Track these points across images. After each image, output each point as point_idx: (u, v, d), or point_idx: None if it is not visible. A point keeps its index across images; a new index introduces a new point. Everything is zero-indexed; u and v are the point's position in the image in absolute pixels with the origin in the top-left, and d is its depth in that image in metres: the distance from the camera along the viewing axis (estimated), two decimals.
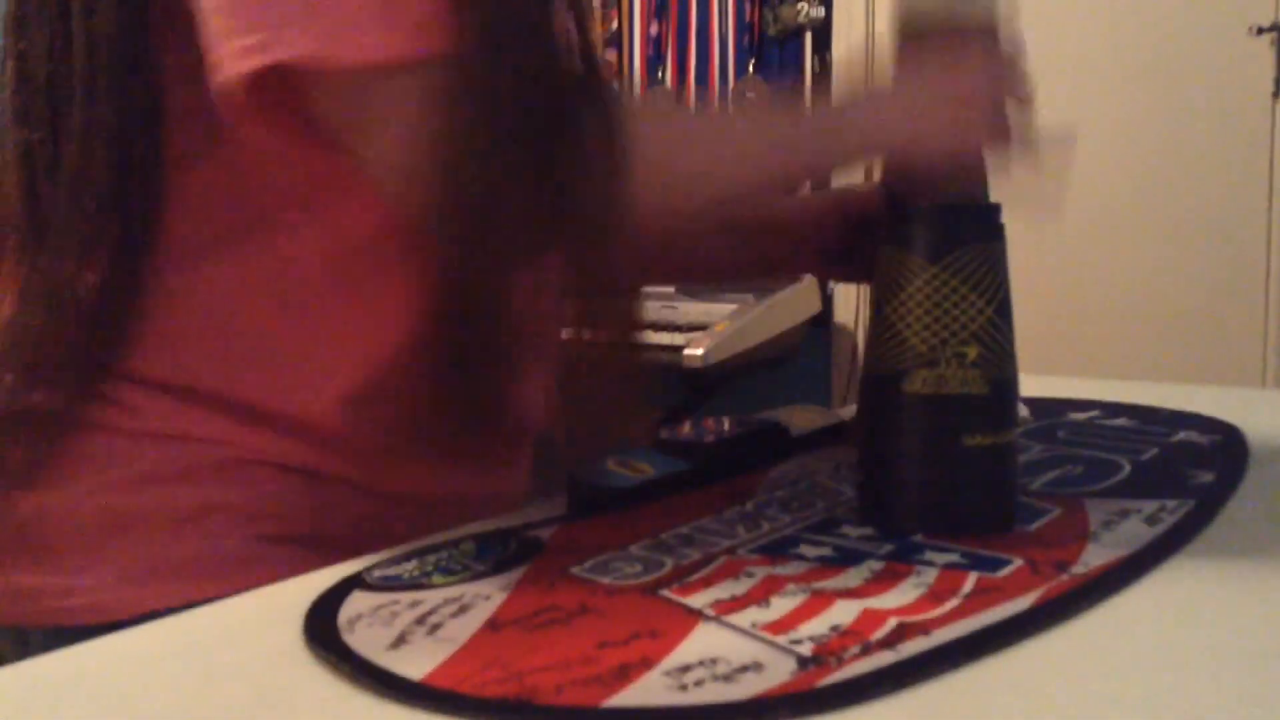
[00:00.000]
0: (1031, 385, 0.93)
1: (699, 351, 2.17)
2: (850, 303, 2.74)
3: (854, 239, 0.77)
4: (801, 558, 0.51)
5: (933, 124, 0.63)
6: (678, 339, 2.21)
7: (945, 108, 0.63)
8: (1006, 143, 0.63)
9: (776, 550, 0.53)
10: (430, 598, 0.47)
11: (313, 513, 0.62)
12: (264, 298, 0.62)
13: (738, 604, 0.46)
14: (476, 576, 0.50)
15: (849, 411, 0.76)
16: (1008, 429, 0.56)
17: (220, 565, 0.59)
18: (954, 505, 0.55)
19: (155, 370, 0.61)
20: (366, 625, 0.44)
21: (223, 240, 0.61)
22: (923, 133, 0.63)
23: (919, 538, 0.54)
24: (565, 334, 0.67)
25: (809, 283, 2.38)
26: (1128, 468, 0.66)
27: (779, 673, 0.39)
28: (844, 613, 0.44)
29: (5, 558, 0.61)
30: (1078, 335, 2.35)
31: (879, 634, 0.42)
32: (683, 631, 0.43)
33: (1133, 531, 0.54)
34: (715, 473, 0.68)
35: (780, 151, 0.65)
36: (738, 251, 0.84)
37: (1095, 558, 0.50)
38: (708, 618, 0.44)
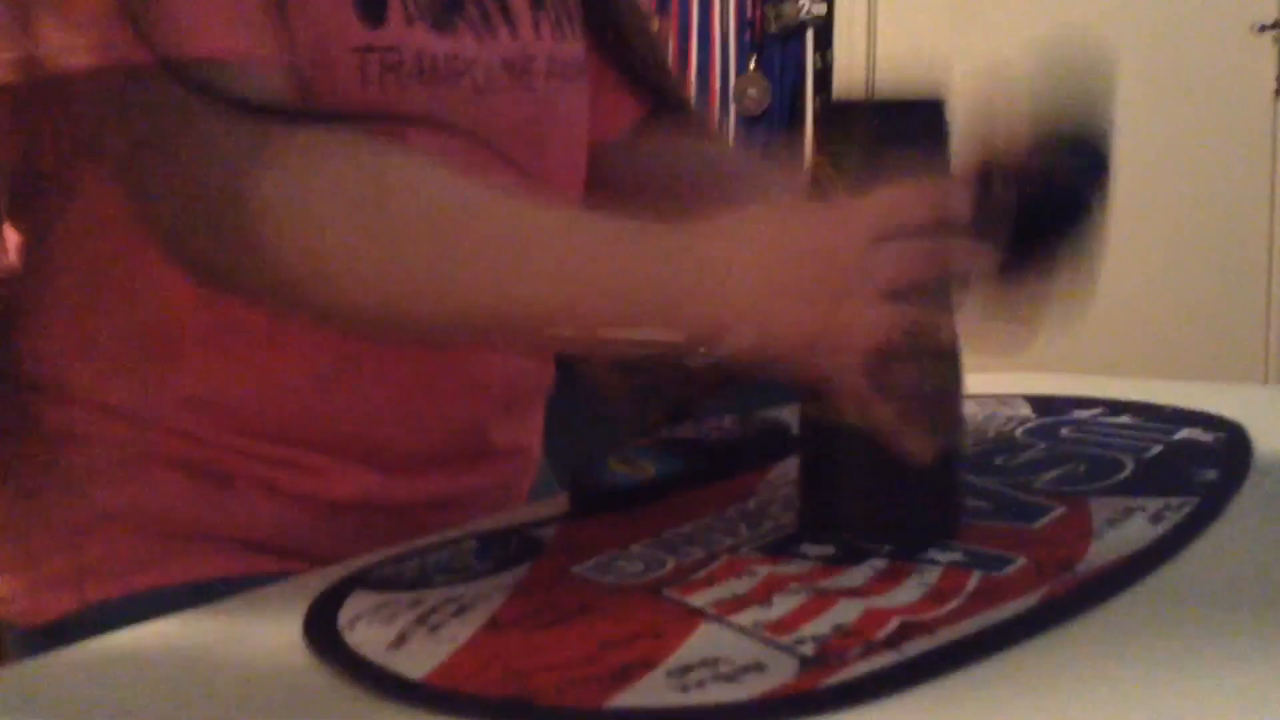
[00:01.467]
0: (1035, 383, 0.93)
1: (701, 350, 2.17)
2: None
3: None
4: (804, 557, 0.51)
5: (793, 326, 0.48)
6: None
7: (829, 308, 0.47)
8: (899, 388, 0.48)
9: (779, 549, 0.52)
10: (431, 597, 0.47)
11: (230, 516, 0.61)
12: (88, 290, 0.60)
13: (740, 604, 0.46)
14: (477, 576, 0.50)
15: None
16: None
17: (130, 565, 0.59)
18: (899, 511, 0.53)
19: (33, 372, 0.61)
20: (367, 625, 0.44)
21: (46, 231, 0.60)
22: (775, 334, 0.49)
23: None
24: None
25: None
26: (1131, 465, 0.66)
27: (781, 673, 0.39)
28: (847, 612, 0.44)
29: None
30: (1081, 333, 2.35)
31: (882, 634, 0.42)
32: (685, 631, 0.43)
33: (1136, 530, 0.53)
34: (717, 471, 0.67)
35: (562, 292, 0.50)
36: None
37: (1099, 556, 0.50)
38: (710, 617, 0.44)
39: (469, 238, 0.51)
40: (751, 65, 2.82)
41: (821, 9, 2.70)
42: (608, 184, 0.76)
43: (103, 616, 0.55)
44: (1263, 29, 2.20)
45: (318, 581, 0.50)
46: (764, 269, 0.49)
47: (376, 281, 0.51)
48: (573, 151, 0.71)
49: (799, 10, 2.75)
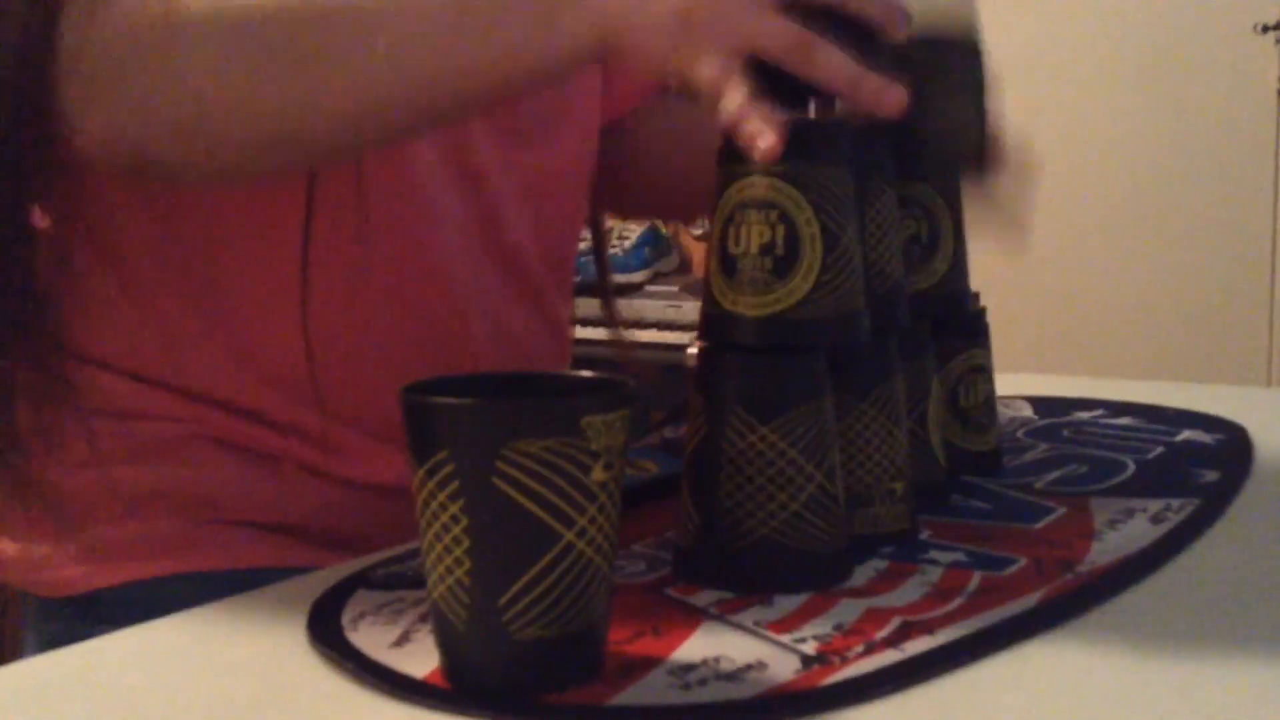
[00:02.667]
0: (1037, 384, 0.93)
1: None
2: None
3: None
4: None
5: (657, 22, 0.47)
6: (682, 338, 2.21)
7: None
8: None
9: None
10: None
11: (275, 498, 0.62)
12: (160, 270, 0.61)
13: (741, 602, 0.46)
14: None
15: None
16: None
17: (169, 546, 0.60)
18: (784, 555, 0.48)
19: (99, 348, 0.62)
20: (370, 623, 0.44)
21: (120, 210, 0.61)
22: (642, 29, 0.47)
23: (925, 535, 0.54)
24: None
25: None
26: (1132, 467, 0.66)
27: (782, 671, 0.39)
28: (848, 611, 0.44)
29: None
30: (1083, 334, 2.35)
31: (883, 633, 0.42)
32: (687, 630, 0.43)
33: (1137, 530, 0.53)
34: None
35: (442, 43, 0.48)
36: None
37: (1100, 557, 0.50)
38: (711, 616, 0.44)
39: (325, 33, 0.48)
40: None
41: None
42: (625, 150, 0.78)
43: (135, 595, 0.56)
44: (1265, 29, 2.20)
45: (321, 580, 0.50)
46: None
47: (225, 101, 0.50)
48: (581, 130, 0.72)
49: None
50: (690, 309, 2.31)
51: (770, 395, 0.47)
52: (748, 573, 0.47)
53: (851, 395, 0.52)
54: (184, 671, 0.42)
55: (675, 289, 2.42)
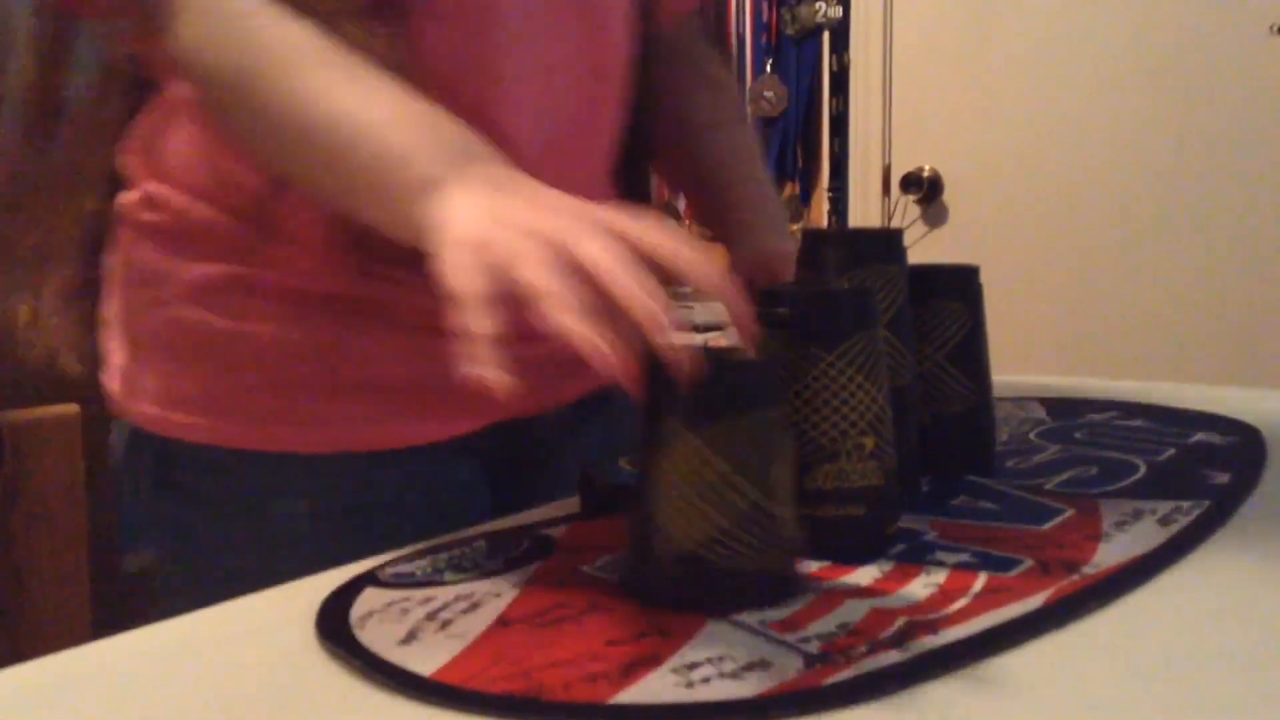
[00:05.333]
0: (1051, 386, 0.93)
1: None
2: None
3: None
4: (812, 556, 0.51)
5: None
6: (694, 339, 2.21)
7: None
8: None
9: None
10: (442, 594, 0.48)
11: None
12: None
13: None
14: (488, 574, 0.50)
15: None
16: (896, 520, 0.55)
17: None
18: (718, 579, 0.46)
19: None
20: (378, 621, 0.45)
21: None
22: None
23: (932, 535, 0.54)
24: None
25: None
26: (1143, 468, 0.66)
27: (786, 670, 0.39)
28: (853, 611, 0.44)
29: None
30: (1096, 336, 2.33)
31: (887, 633, 0.42)
32: (691, 629, 0.43)
33: (1145, 532, 0.53)
34: None
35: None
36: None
37: (1106, 558, 0.50)
38: (716, 616, 0.44)
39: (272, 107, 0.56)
40: (768, 68, 2.81)
41: (838, 11, 2.70)
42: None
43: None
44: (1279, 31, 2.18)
45: (331, 579, 0.51)
46: (478, 211, 0.49)
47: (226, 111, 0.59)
48: (619, 22, 0.74)
49: (815, 13, 2.75)
50: (700, 309, 2.31)
51: (701, 403, 0.45)
52: (671, 588, 0.46)
53: (818, 347, 0.51)
54: (197, 668, 0.43)
55: (686, 289, 2.42)
